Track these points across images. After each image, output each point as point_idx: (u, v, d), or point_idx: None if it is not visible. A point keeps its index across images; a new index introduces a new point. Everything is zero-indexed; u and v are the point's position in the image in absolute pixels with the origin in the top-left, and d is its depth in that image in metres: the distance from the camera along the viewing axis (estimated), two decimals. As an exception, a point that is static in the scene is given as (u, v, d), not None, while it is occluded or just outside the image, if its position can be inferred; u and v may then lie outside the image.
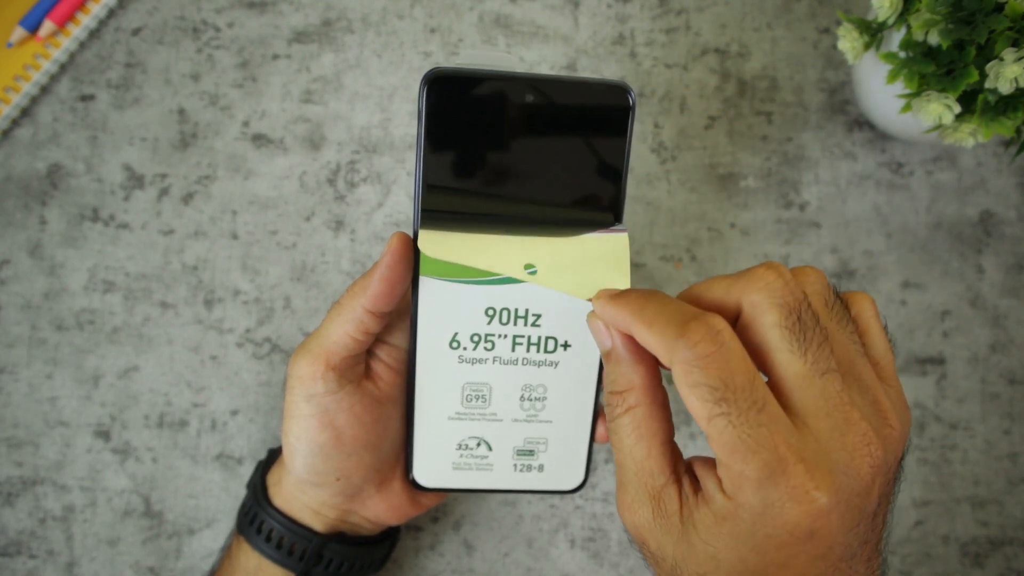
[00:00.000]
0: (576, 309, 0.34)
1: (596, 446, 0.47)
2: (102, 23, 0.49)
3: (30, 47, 0.47)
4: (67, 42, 0.47)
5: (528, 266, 0.32)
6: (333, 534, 0.38)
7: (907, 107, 0.40)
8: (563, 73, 0.49)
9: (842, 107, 0.50)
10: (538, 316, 0.34)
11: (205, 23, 0.49)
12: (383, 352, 0.36)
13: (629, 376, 0.28)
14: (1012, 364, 0.48)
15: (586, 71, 0.49)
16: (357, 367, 0.35)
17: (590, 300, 0.31)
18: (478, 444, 0.36)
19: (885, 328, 0.29)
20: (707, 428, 0.25)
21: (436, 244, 0.32)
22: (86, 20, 0.48)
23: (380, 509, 0.38)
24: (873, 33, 0.42)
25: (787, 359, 0.25)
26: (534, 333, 0.34)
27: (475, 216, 0.34)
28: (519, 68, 0.34)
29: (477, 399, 0.35)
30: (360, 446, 0.35)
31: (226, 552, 0.39)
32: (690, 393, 0.25)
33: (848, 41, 0.42)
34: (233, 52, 0.49)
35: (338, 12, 0.49)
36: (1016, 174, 0.49)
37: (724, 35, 0.50)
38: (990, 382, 0.48)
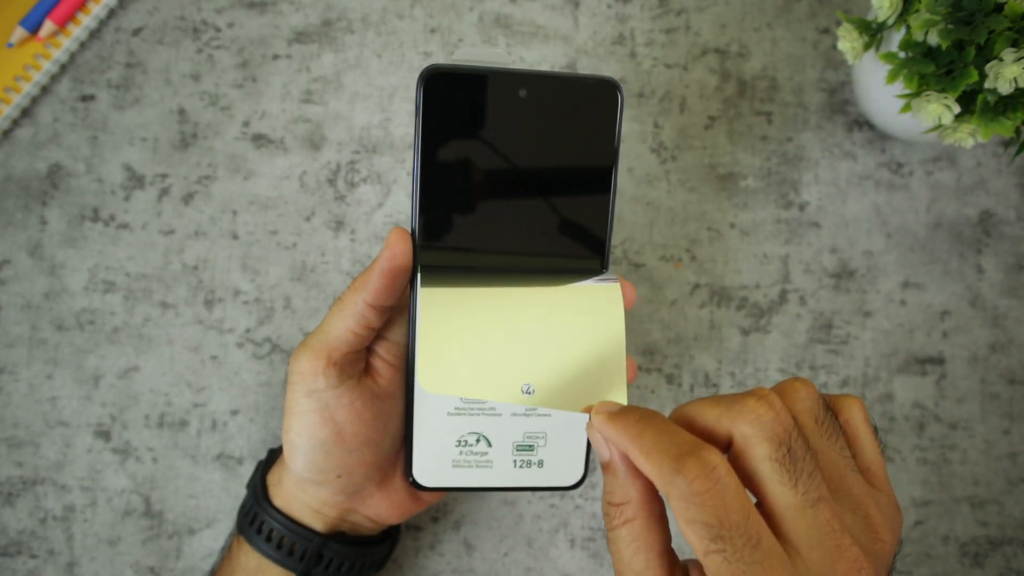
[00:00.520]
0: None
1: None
2: (102, 23, 0.49)
3: (30, 47, 0.47)
4: (67, 42, 0.47)
5: (526, 385, 0.32)
6: (333, 534, 0.38)
7: (907, 107, 0.40)
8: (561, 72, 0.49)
9: (842, 107, 0.50)
10: None
11: (205, 23, 0.49)
12: (383, 348, 0.36)
13: (627, 489, 0.29)
14: (1012, 364, 0.48)
15: (586, 71, 0.49)
16: (358, 363, 0.35)
17: (589, 413, 0.32)
18: (477, 440, 0.36)
19: (875, 429, 0.30)
20: (704, 561, 0.26)
21: (435, 362, 0.32)
22: (86, 20, 0.48)
23: (381, 507, 0.38)
24: (873, 33, 0.42)
25: (778, 490, 0.27)
26: None
27: (470, 239, 0.35)
28: (513, 65, 0.34)
29: None
30: (361, 442, 0.36)
31: (226, 552, 0.39)
32: (687, 528, 0.26)
33: (848, 41, 0.42)
34: (233, 52, 0.49)
35: (338, 12, 0.49)
36: (1016, 174, 0.49)
37: (724, 35, 0.50)
38: (990, 382, 0.48)
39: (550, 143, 0.34)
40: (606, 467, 0.30)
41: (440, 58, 0.49)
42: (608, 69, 0.49)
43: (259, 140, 0.48)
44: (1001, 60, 0.37)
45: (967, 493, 0.48)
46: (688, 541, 0.26)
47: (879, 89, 0.43)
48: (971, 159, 0.49)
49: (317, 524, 0.38)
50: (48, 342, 0.47)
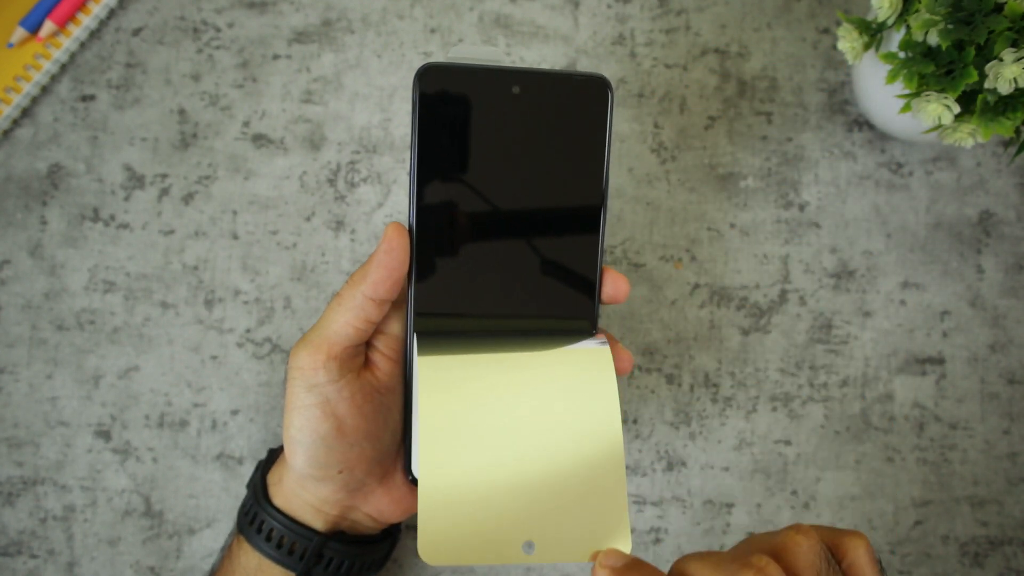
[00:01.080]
0: None
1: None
2: (102, 23, 0.49)
3: (31, 47, 0.47)
4: (68, 42, 0.47)
5: (526, 545, 0.32)
6: (334, 533, 0.38)
7: (907, 107, 0.40)
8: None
9: (842, 107, 0.50)
10: None
11: (205, 23, 0.49)
12: (381, 343, 0.36)
13: None
14: (1011, 364, 0.48)
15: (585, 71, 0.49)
16: (357, 357, 0.36)
17: (593, 563, 0.32)
18: None
19: (880, 566, 0.30)
20: None
21: (435, 532, 0.32)
22: (87, 20, 0.48)
23: (382, 503, 0.38)
24: (873, 33, 0.42)
25: None
26: None
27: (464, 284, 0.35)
28: (507, 63, 0.35)
29: None
30: (361, 436, 0.36)
31: (226, 552, 0.39)
32: None
33: (848, 41, 0.42)
34: (233, 52, 0.49)
35: (338, 12, 0.49)
36: (1015, 174, 0.49)
37: (724, 35, 0.50)
38: (989, 382, 0.48)
39: (544, 137, 0.35)
40: None
41: (440, 58, 0.49)
42: (608, 69, 0.49)
43: (259, 140, 0.48)
44: (1001, 60, 0.37)
45: (967, 493, 0.48)
46: None
47: (879, 89, 0.43)
48: (971, 159, 0.49)
49: (317, 523, 0.38)
50: (48, 342, 0.47)
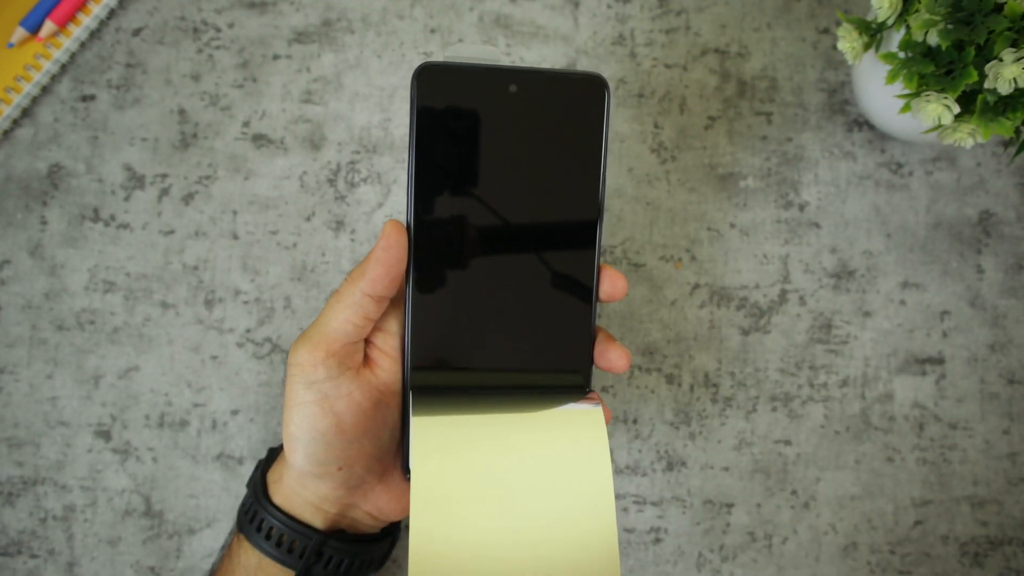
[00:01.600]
0: None
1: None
2: (103, 23, 0.49)
3: (31, 47, 0.47)
4: (68, 42, 0.47)
5: None
6: (333, 531, 0.38)
7: (906, 107, 0.40)
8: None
9: (842, 107, 0.50)
10: None
11: (205, 23, 0.49)
12: (380, 340, 0.36)
13: None
14: (1011, 364, 0.48)
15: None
16: (356, 355, 0.36)
17: None
18: None
19: None
20: None
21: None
22: (87, 20, 0.48)
23: (382, 501, 0.38)
24: (873, 33, 0.42)
25: None
26: None
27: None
28: (505, 62, 0.35)
29: None
30: (361, 433, 0.36)
31: (226, 550, 0.39)
32: None
33: (848, 41, 0.42)
34: (233, 52, 0.49)
35: (338, 12, 0.49)
36: (1015, 174, 0.49)
37: (724, 35, 0.50)
38: (989, 382, 0.48)
39: (541, 136, 0.35)
40: None
41: (438, 58, 0.49)
42: (608, 69, 0.49)
43: (259, 140, 0.48)
44: (1001, 60, 0.37)
45: (967, 493, 0.48)
46: None
47: (879, 89, 0.43)
48: (971, 159, 0.49)
49: (317, 521, 0.38)
50: (48, 342, 0.47)
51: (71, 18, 0.48)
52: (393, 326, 0.36)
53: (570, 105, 0.35)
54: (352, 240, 0.48)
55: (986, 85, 0.38)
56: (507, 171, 0.35)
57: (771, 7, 0.50)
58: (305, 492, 0.37)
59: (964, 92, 0.39)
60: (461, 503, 0.32)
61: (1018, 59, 0.36)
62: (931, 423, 0.48)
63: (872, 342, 0.48)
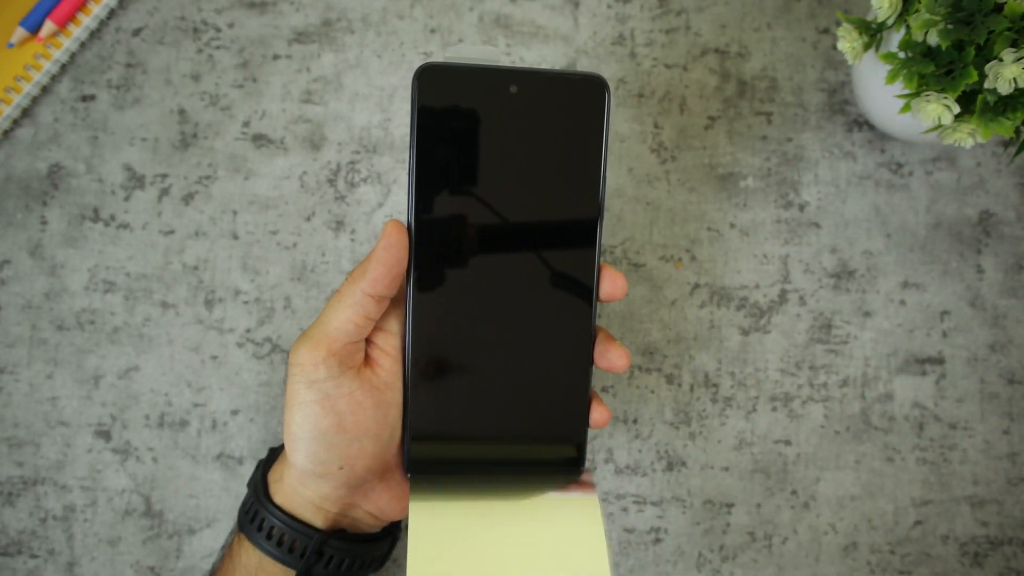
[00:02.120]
0: None
1: (594, 439, 0.47)
2: (103, 23, 0.49)
3: (31, 47, 0.47)
4: (68, 42, 0.47)
5: None
6: (334, 531, 0.38)
7: (906, 107, 0.40)
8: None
9: (842, 107, 0.50)
10: None
11: (205, 23, 0.49)
12: (381, 339, 0.36)
13: None
14: (1011, 364, 0.48)
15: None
16: (357, 354, 0.36)
17: None
18: None
19: None
20: None
21: None
22: (87, 20, 0.48)
23: (383, 500, 0.38)
24: (873, 33, 0.42)
25: None
26: None
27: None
28: (505, 62, 0.35)
29: None
30: (362, 432, 0.36)
31: (227, 550, 0.39)
32: None
33: (848, 41, 0.42)
34: (233, 52, 0.49)
35: (338, 12, 0.49)
36: (1015, 174, 0.49)
37: (724, 35, 0.50)
38: (989, 382, 0.48)
39: (541, 137, 0.35)
40: None
41: (438, 58, 0.49)
42: (608, 69, 0.49)
43: (259, 140, 0.48)
44: (1001, 60, 0.37)
45: (967, 493, 0.48)
46: None
47: (879, 89, 0.43)
48: (971, 159, 0.49)
49: (318, 521, 0.38)
50: (48, 342, 0.47)
51: (71, 18, 0.48)
52: (394, 326, 0.37)
53: (570, 105, 0.35)
54: (352, 240, 0.48)
55: (986, 85, 0.38)
56: (507, 171, 0.35)
57: (771, 7, 0.50)
58: (306, 491, 0.37)
59: (964, 92, 0.39)
60: None
61: (1018, 59, 0.37)
62: (931, 423, 0.48)
63: (872, 342, 0.48)
